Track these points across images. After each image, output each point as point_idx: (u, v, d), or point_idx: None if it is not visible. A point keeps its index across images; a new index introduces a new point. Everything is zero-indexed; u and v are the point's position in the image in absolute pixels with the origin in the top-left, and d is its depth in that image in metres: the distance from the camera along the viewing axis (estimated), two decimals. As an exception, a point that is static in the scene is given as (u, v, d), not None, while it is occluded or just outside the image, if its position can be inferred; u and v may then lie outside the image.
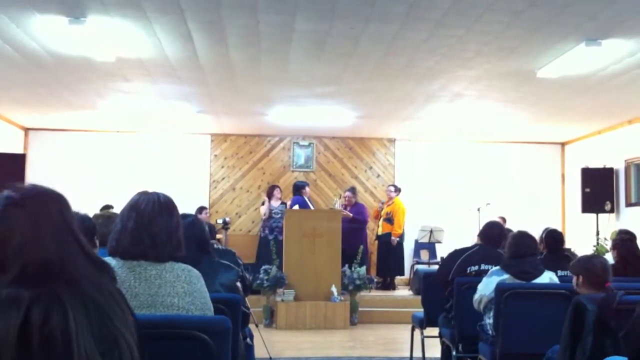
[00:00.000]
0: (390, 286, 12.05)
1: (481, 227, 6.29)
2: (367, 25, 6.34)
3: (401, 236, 12.15)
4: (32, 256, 1.62)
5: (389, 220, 11.99)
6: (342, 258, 10.11)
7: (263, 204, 11.91)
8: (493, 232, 5.91)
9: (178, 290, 2.68)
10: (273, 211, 11.62)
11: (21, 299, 1.52)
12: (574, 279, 4.21)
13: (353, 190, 12.03)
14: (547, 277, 4.95)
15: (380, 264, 12.06)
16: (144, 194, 2.84)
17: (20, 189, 1.75)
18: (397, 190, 12.33)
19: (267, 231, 11.57)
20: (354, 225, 11.28)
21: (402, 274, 12.42)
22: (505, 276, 4.96)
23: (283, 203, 11.79)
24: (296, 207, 11.07)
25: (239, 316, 3.56)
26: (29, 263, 1.61)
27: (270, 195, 11.88)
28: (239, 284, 4.22)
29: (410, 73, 8.13)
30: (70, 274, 1.64)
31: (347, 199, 11.68)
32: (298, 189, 11.52)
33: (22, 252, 1.62)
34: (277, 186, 12.19)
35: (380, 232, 12.16)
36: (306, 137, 13.44)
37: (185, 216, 3.97)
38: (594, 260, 4.17)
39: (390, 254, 11.99)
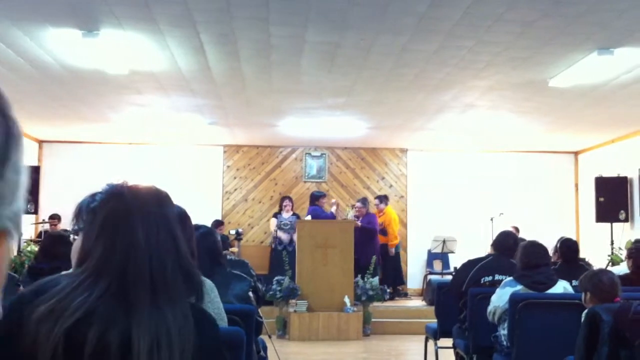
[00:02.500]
0: (395, 295, 12.00)
1: (495, 237, 6.27)
2: (377, 36, 6.35)
3: (397, 246, 12.14)
4: (114, 242, 1.58)
5: (383, 231, 11.93)
6: (355, 269, 10.09)
7: (275, 215, 11.92)
8: (507, 242, 5.88)
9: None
10: (283, 223, 11.62)
11: (79, 305, 1.49)
12: (583, 295, 4.16)
13: (364, 200, 11.96)
14: (561, 287, 4.92)
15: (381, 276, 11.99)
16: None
17: (126, 181, 1.71)
18: (383, 200, 12.23)
19: (276, 242, 11.59)
20: (365, 235, 11.24)
21: (402, 282, 12.40)
22: (519, 287, 4.94)
23: (295, 214, 11.79)
24: (308, 217, 11.06)
25: (252, 327, 3.56)
26: (112, 248, 1.58)
27: (280, 208, 11.90)
28: (251, 294, 4.22)
29: (421, 84, 8.14)
30: (152, 277, 1.57)
31: (357, 209, 11.64)
32: (315, 199, 11.48)
33: (106, 240, 1.59)
34: (287, 197, 12.18)
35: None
36: (318, 147, 13.46)
37: (198, 227, 3.99)
38: (601, 276, 4.09)
39: (388, 264, 11.96)
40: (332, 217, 11.30)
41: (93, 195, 1.71)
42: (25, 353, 1.45)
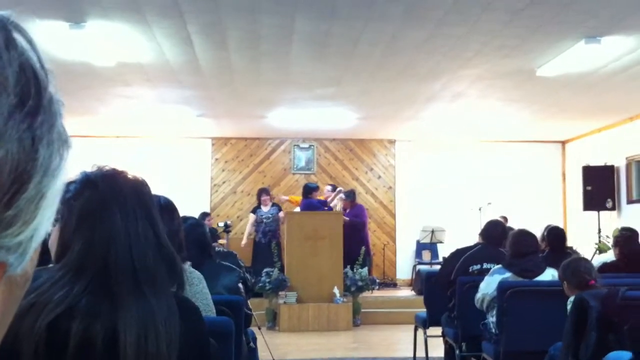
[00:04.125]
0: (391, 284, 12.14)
1: (483, 227, 6.29)
2: (366, 24, 6.35)
3: None
4: (93, 235, 1.54)
5: None
6: (344, 260, 10.09)
7: (253, 211, 11.82)
8: (495, 231, 5.91)
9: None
10: (264, 217, 11.56)
11: (58, 302, 1.45)
12: (562, 285, 4.22)
13: (349, 193, 11.84)
14: (550, 275, 4.95)
15: None
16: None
17: (101, 167, 1.65)
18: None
19: (260, 235, 11.56)
20: (352, 228, 11.21)
21: None
22: (507, 274, 4.96)
23: (275, 205, 11.73)
24: (297, 209, 11.05)
25: (241, 318, 3.56)
26: (91, 242, 1.54)
27: (259, 202, 11.81)
28: (240, 285, 4.22)
29: (410, 73, 8.14)
30: (134, 268, 1.53)
31: (343, 202, 11.58)
32: (308, 192, 11.20)
33: (84, 234, 1.55)
34: (264, 190, 12.02)
35: None
36: (306, 139, 13.45)
37: (186, 219, 3.98)
38: (572, 264, 4.15)
39: None
40: (329, 208, 11.15)
41: (67, 185, 1.61)
42: (6, 348, 1.43)
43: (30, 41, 0.53)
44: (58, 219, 1.65)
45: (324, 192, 11.79)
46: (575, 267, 4.11)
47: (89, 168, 1.66)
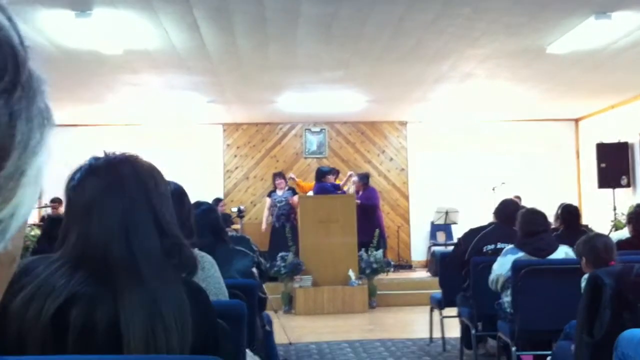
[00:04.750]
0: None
1: (496, 206, 6.25)
2: (373, 6, 6.30)
3: None
4: (90, 226, 1.52)
5: None
6: (359, 244, 10.08)
7: (269, 195, 11.83)
8: (508, 210, 5.87)
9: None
10: (277, 200, 11.55)
11: (61, 289, 1.44)
12: (580, 260, 4.18)
13: (362, 176, 11.80)
14: (563, 252, 4.92)
15: None
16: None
17: (107, 155, 1.63)
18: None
19: (274, 219, 11.56)
20: (364, 212, 11.19)
21: None
22: (520, 254, 4.93)
23: (290, 189, 11.69)
24: (310, 193, 11.03)
25: (255, 301, 3.56)
26: (88, 233, 1.51)
27: (275, 186, 11.80)
28: (254, 269, 4.22)
29: (418, 54, 8.09)
30: (135, 259, 1.51)
31: (355, 184, 11.56)
32: (322, 175, 11.04)
33: (81, 225, 1.53)
34: (278, 174, 11.99)
35: None
36: (317, 123, 13.42)
37: (199, 204, 3.99)
38: (595, 241, 4.09)
39: None
40: (343, 191, 11.10)
41: (74, 174, 1.61)
42: (12, 338, 1.42)
43: (9, 18, 0.52)
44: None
45: (351, 181, 11.63)
46: (594, 244, 4.07)
47: (99, 154, 1.65)
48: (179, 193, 2.86)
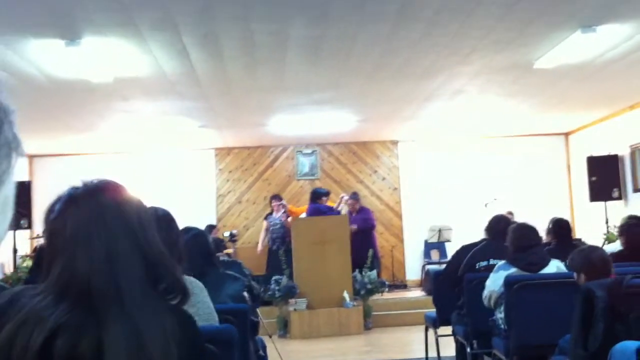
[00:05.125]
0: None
1: (487, 223, 6.26)
2: (360, 26, 6.34)
3: None
4: (72, 260, 1.50)
5: None
6: (353, 265, 10.06)
7: (266, 218, 11.87)
8: (499, 226, 5.89)
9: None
10: (273, 223, 11.56)
11: (46, 320, 1.43)
12: (575, 275, 4.13)
13: (356, 196, 11.89)
14: (554, 267, 4.93)
15: None
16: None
17: (86, 183, 1.60)
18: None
19: (270, 242, 11.56)
20: (364, 232, 11.26)
21: None
22: (512, 270, 4.94)
23: (284, 212, 11.69)
24: (303, 215, 11.03)
25: (246, 325, 3.55)
26: (72, 268, 1.50)
27: (272, 209, 11.85)
28: (246, 294, 4.22)
29: (407, 73, 8.13)
30: (118, 291, 1.49)
31: (350, 205, 11.57)
32: (317, 197, 11.06)
33: (63, 257, 1.51)
34: (274, 196, 12.03)
35: None
36: (309, 145, 13.45)
37: (189, 230, 3.98)
38: (591, 256, 4.05)
39: None
40: (337, 212, 11.11)
41: (53, 205, 1.59)
42: None
43: None
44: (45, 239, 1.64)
45: (343, 202, 11.61)
46: (590, 259, 4.01)
47: (76, 184, 1.63)
48: (166, 219, 2.86)
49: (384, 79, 8.39)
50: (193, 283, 2.77)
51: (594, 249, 4.26)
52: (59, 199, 1.58)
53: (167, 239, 2.75)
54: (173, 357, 1.50)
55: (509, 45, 7.13)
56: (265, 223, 11.81)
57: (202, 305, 2.74)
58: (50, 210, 1.58)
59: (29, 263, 8.98)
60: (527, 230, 5.06)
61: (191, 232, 3.96)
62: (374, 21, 6.21)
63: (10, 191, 0.53)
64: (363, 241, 11.01)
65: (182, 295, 1.66)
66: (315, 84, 8.54)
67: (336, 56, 7.32)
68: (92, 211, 1.55)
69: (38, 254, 6.19)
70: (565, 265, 5.05)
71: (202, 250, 3.94)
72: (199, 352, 1.63)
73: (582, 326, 3.54)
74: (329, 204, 11.24)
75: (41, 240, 11.45)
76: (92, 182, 1.63)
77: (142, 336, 1.47)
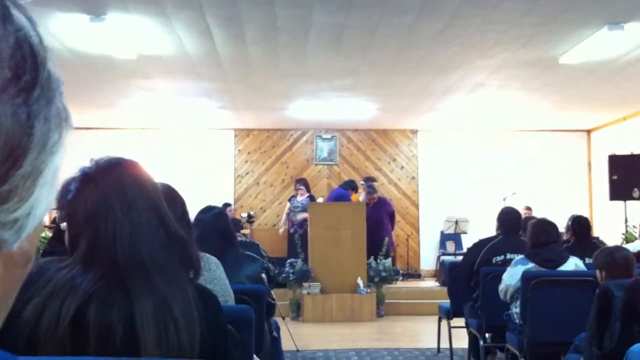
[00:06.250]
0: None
1: (498, 217, 6.22)
2: (382, 17, 6.31)
3: None
4: (97, 235, 1.53)
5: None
6: (369, 251, 10.07)
7: (289, 199, 11.87)
8: (511, 219, 5.89)
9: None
10: (294, 206, 11.55)
11: (77, 289, 1.45)
12: (597, 273, 4.11)
13: (371, 183, 11.67)
14: (573, 264, 4.90)
15: None
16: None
17: (97, 161, 1.62)
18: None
19: (289, 225, 11.59)
20: (387, 220, 11.32)
21: None
22: (530, 265, 4.92)
23: (310, 196, 11.67)
24: (320, 199, 11.03)
25: (263, 307, 3.56)
26: (97, 242, 1.52)
27: (295, 192, 11.85)
28: (263, 275, 4.22)
29: (428, 64, 8.08)
30: (143, 261, 1.52)
31: (369, 197, 11.42)
32: (349, 186, 11.30)
33: (88, 233, 1.54)
34: (298, 181, 12.01)
35: None
36: (329, 130, 13.42)
37: (210, 208, 3.99)
38: (615, 255, 4.01)
39: None
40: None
41: (68, 185, 1.59)
42: (21, 341, 1.42)
43: (29, 18, 0.53)
44: (65, 219, 1.65)
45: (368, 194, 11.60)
46: (614, 258, 3.96)
47: (87, 163, 1.64)
48: (168, 192, 2.82)
49: (404, 70, 8.35)
50: (209, 259, 2.78)
51: (619, 248, 4.23)
52: (72, 179, 1.59)
53: (174, 213, 2.72)
54: (195, 322, 1.53)
55: (532, 40, 7.07)
56: (288, 204, 11.80)
57: (218, 282, 2.74)
58: (67, 191, 1.59)
59: (47, 234, 9.06)
60: (547, 226, 5.03)
61: (212, 212, 3.96)
62: (398, 12, 6.18)
63: (60, 163, 0.53)
64: (384, 229, 11.06)
65: (195, 270, 1.68)
66: (335, 72, 8.51)
67: (357, 45, 7.29)
68: (113, 186, 1.58)
69: (57, 227, 6.25)
70: (585, 263, 5.02)
71: (222, 230, 3.94)
72: (222, 330, 1.64)
73: (598, 325, 3.52)
74: (353, 198, 11.21)
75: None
76: (105, 160, 1.64)
77: (168, 303, 1.50)
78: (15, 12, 0.51)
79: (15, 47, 0.49)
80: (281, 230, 11.88)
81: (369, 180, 11.78)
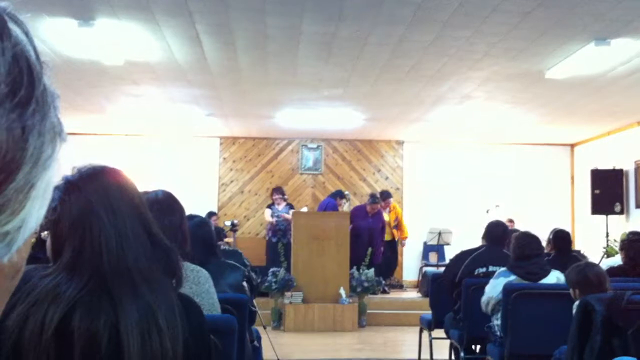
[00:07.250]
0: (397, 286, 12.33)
1: (485, 228, 6.25)
2: (373, 27, 6.34)
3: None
4: (83, 242, 1.53)
5: (398, 226, 12.13)
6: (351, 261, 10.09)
7: (269, 206, 11.82)
8: (497, 232, 5.91)
9: (186, 291, 2.68)
10: (276, 214, 11.53)
11: (61, 296, 1.45)
12: (571, 291, 4.12)
13: (375, 197, 11.59)
14: (554, 277, 4.94)
15: (387, 268, 11.99)
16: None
17: (80, 169, 1.62)
18: (390, 195, 12.29)
19: (270, 234, 11.56)
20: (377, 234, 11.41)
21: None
22: (512, 277, 4.95)
23: (288, 204, 11.68)
24: (305, 208, 11.03)
25: (245, 316, 3.56)
26: (82, 249, 1.52)
27: (272, 200, 11.83)
28: (245, 284, 4.22)
29: (417, 75, 8.13)
30: (128, 268, 1.53)
31: (371, 207, 11.38)
32: (338, 194, 11.46)
33: (72, 241, 1.54)
34: (275, 189, 12.01)
35: (388, 238, 12.01)
36: (314, 139, 13.44)
37: (192, 217, 3.98)
38: (587, 272, 4.00)
39: (395, 257, 12.35)
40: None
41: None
42: (5, 349, 1.42)
43: (26, 32, 0.54)
44: (47, 227, 1.64)
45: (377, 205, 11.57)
46: (586, 275, 3.98)
47: (69, 172, 1.64)
48: (168, 201, 2.83)
49: (393, 80, 8.39)
50: (200, 272, 2.77)
51: (591, 265, 4.22)
52: (56, 187, 1.58)
53: (169, 221, 2.73)
54: (178, 328, 1.54)
55: (521, 54, 7.13)
56: (268, 210, 11.71)
57: (206, 296, 2.74)
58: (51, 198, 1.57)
59: (32, 239, 8.99)
60: (530, 239, 5.07)
61: (194, 220, 3.95)
62: (389, 22, 6.21)
63: (52, 177, 0.54)
64: (380, 238, 11.31)
65: (177, 279, 1.69)
66: (324, 81, 8.54)
67: (347, 55, 7.32)
68: (97, 193, 1.58)
69: (41, 230, 6.20)
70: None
71: (204, 238, 3.94)
72: (204, 337, 1.65)
73: (578, 339, 3.55)
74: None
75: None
76: (88, 167, 1.64)
77: (152, 310, 1.51)
78: (13, 27, 0.52)
79: (13, 63, 0.49)
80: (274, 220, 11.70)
81: (374, 195, 11.74)
